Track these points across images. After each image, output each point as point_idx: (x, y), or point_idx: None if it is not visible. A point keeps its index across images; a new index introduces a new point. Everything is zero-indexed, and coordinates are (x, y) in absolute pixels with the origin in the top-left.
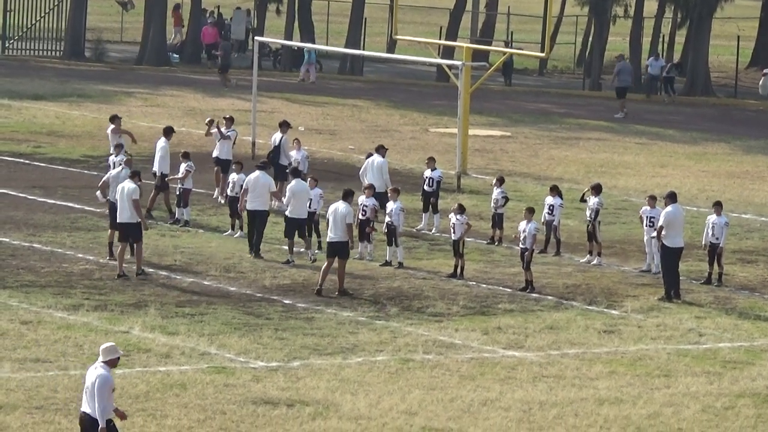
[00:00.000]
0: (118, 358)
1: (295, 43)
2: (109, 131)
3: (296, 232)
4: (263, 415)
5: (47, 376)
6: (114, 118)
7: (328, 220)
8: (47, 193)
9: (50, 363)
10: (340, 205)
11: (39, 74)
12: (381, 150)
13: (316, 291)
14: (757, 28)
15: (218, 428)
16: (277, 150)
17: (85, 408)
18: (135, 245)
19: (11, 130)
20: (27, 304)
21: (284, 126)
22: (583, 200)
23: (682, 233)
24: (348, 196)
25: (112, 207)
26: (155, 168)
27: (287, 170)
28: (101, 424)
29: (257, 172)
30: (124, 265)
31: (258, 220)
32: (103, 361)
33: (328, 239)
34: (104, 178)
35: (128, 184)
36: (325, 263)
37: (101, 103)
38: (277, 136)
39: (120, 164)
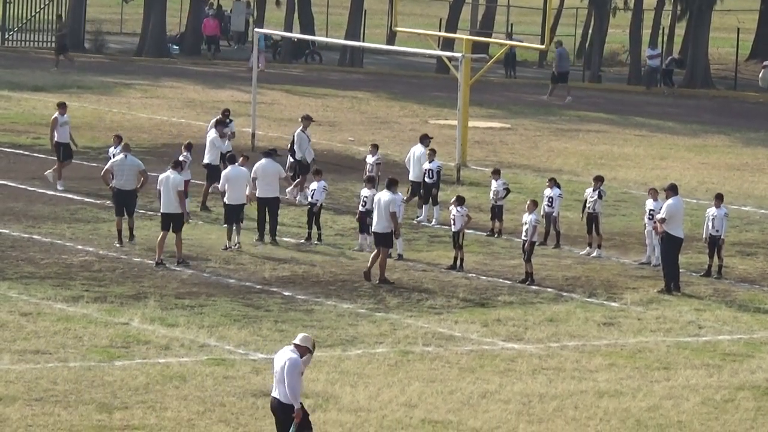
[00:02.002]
0: (308, 348)
1: (295, 35)
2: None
3: (235, 218)
4: (263, 407)
5: (47, 367)
6: (60, 105)
7: (372, 210)
8: (47, 184)
9: (50, 355)
10: (384, 195)
11: (38, 66)
12: (424, 140)
13: (364, 275)
14: (757, 20)
15: (218, 420)
16: (292, 143)
17: (275, 393)
18: (175, 235)
19: (11, 121)
20: (26, 295)
21: (304, 120)
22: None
23: (682, 225)
24: (392, 186)
25: (118, 194)
26: (205, 159)
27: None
28: (296, 406)
29: (264, 160)
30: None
31: (270, 206)
32: (295, 344)
33: (372, 229)
34: (106, 166)
35: (172, 175)
36: (374, 252)
37: (101, 95)
38: (298, 129)
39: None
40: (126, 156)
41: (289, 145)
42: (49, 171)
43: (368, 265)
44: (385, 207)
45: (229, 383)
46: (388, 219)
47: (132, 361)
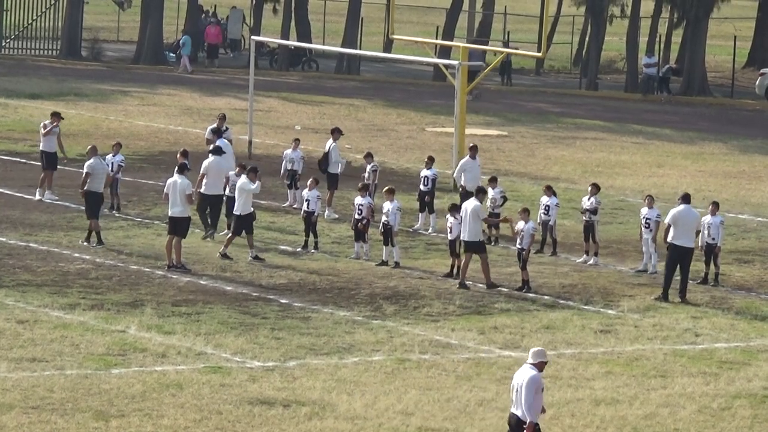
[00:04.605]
0: (546, 362)
1: (292, 43)
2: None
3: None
4: (259, 415)
5: (43, 375)
6: (54, 115)
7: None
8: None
9: (46, 362)
10: (470, 203)
11: (36, 73)
12: (472, 150)
13: (459, 285)
14: (754, 28)
15: (214, 428)
16: (325, 157)
17: (515, 410)
18: (178, 239)
19: (8, 128)
20: (23, 303)
21: (335, 133)
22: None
23: (690, 235)
24: (479, 193)
25: (94, 196)
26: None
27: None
28: (532, 421)
29: (213, 157)
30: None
31: (214, 204)
32: (531, 363)
33: (463, 238)
34: (86, 170)
35: (179, 179)
36: (463, 259)
37: (98, 102)
38: (329, 142)
39: (120, 165)
40: (101, 160)
41: (319, 161)
42: (38, 191)
43: (461, 277)
44: (472, 215)
45: (225, 391)
46: (475, 225)
47: (129, 369)
